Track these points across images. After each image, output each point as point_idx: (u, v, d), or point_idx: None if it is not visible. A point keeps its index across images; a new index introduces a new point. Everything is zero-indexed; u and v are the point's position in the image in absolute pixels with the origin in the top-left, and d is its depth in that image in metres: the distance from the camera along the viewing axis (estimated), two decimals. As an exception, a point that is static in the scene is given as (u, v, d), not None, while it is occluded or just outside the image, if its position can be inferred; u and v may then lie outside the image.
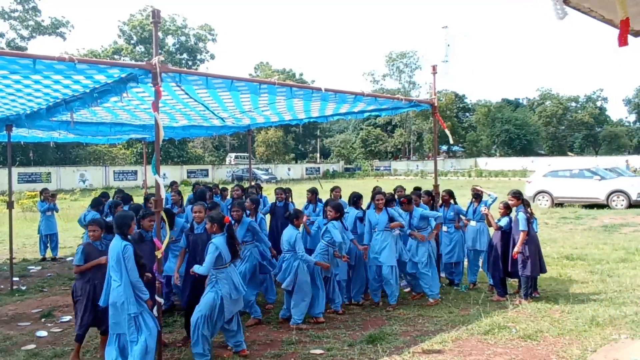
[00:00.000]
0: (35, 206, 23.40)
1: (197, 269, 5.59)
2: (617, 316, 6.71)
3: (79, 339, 5.79)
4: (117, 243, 5.08)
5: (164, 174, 36.94)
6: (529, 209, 7.78)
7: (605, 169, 21.26)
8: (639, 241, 12.47)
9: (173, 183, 13.01)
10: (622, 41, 3.86)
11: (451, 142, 10.08)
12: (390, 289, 7.61)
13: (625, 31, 3.80)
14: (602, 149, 73.05)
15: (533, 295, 7.83)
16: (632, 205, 19.20)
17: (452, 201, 8.84)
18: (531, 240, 7.57)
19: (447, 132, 9.63)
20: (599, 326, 6.39)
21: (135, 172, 43.45)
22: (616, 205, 19.46)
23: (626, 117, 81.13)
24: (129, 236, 5.24)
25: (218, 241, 5.63)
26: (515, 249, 7.51)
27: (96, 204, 9.51)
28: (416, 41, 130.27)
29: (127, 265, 5.00)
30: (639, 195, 19.32)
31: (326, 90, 7.29)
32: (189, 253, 6.39)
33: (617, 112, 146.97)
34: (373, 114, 10.50)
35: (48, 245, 12.13)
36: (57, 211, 12.45)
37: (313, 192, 9.41)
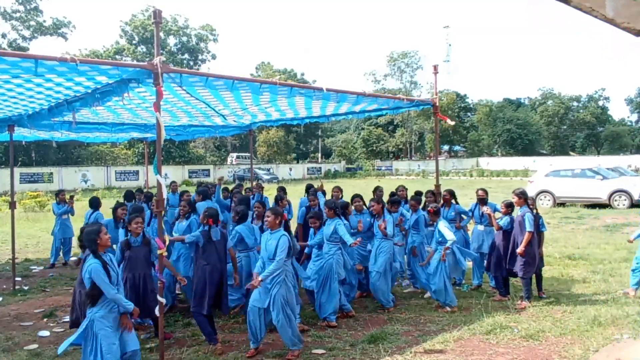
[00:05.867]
0: (37, 206, 23.52)
1: (268, 271, 5.66)
2: (619, 316, 6.71)
3: None
4: (87, 263, 4.72)
5: (166, 174, 37.04)
6: (534, 209, 7.78)
7: (608, 169, 21.23)
8: (641, 241, 12.44)
9: (172, 183, 12.97)
10: None
11: (451, 122, 10.02)
12: (382, 295, 7.51)
13: None
14: (604, 149, 73.02)
15: (539, 295, 7.84)
16: (634, 204, 19.15)
17: (453, 201, 8.83)
18: (534, 241, 7.56)
19: (449, 121, 9.71)
20: (601, 326, 6.38)
21: (137, 172, 43.45)
22: (618, 205, 19.43)
23: (628, 117, 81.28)
24: (100, 252, 4.81)
25: (287, 235, 5.89)
26: (519, 250, 7.46)
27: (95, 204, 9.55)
28: (417, 41, 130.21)
29: (98, 283, 4.59)
30: (641, 194, 19.30)
31: (328, 90, 7.29)
32: (127, 264, 6.24)
33: (619, 111, 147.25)
34: (374, 113, 10.51)
35: (61, 251, 11.66)
36: (72, 214, 11.85)
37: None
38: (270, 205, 9.69)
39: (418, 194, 9.15)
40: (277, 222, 5.92)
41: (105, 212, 9.75)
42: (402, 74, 71.21)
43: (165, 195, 5.59)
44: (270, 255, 5.77)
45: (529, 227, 7.43)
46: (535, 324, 6.59)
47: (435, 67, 9.25)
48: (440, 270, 7.43)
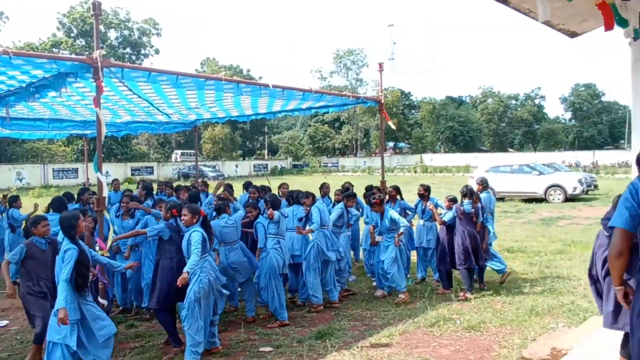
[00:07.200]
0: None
1: (190, 265, 5.38)
2: (554, 305, 7.00)
3: (39, 340, 5.44)
4: (63, 246, 4.77)
5: (107, 172, 35.87)
6: (478, 203, 8.05)
7: (543, 165, 22.18)
8: (574, 233, 13.05)
9: (114, 180, 12.59)
10: (609, 25, 4.12)
11: (394, 127, 10.32)
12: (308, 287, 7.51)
13: (608, 16, 4.01)
14: (541, 145, 75.94)
15: (481, 287, 8.08)
16: (568, 199, 20.14)
17: (398, 197, 8.97)
18: (466, 234, 7.79)
19: (391, 124, 9.82)
20: (538, 315, 6.65)
21: (76, 170, 41.88)
22: (553, 199, 20.32)
23: (562, 115, 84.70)
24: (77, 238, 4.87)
25: (200, 230, 5.62)
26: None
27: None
28: (363, 39, 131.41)
29: (61, 267, 4.63)
30: (574, 189, 20.30)
31: (274, 87, 7.26)
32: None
33: (554, 109, 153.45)
34: (321, 110, 10.56)
35: None
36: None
37: (263, 190, 9.35)
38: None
39: (369, 189, 9.24)
40: (195, 220, 5.71)
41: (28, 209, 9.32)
42: (348, 71, 71.89)
43: (106, 194, 5.43)
44: (185, 253, 5.60)
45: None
46: (476, 316, 6.79)
47: (380, 65, 9.37)
48: (396, 257, 7.64)
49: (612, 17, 4.14)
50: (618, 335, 4.00)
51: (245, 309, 7.10)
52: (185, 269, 5.36)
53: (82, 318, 4.70)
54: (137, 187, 9.65)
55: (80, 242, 4.89)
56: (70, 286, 4.63)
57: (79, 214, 5.04)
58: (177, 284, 5.31)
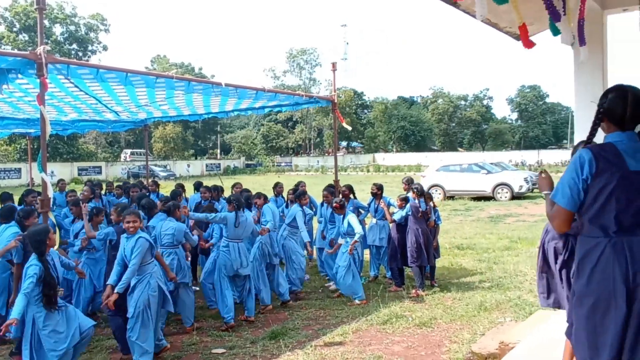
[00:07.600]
0: None
1: (121, 284, 5.16)
2: (502, 301, 7.21)
3: None
4: (29, 261, 4.60)
5: (52, 172, 34.59)
6: (431, 202, 8.20)
7: (491, 164, 22.86)
8: (521, 230, 13.48)
9: (60, 181, 12.16)
10: (527, 44, 4.33)
11: (349, 128, 10.54)
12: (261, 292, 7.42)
13: (525, 35, 4.23)
14: (489, 145, 77.96)
15: (432, 284, 8.23)
16: (514, 197, 20.82)
17: (351, 196, 9.03)
18: (420, 232, 7.90)
19: (345, 124, 9.89)
20: (486, 311, 6.83)
21: (19, 170, 40.25)
22: (501, 197, 20.95)
23: (509, 115, 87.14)
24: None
25: (146, 236, 5.44)
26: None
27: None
28: (316, 38, 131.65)
29: (24, 280, 4.49)
30: (521, 187, 21.00)
31: (226, 85, 7.19)
32: None
33: (501, 110, 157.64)
34: (274, 109, 10.52)
35: None
36: None
37: (215, 190, 9.26)
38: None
39: (331, 186, 9.26)
40: (142, 226, 5.54)
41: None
42: (301, 70, 72.01)
43: (51, 195, 5.24)
44: (128, 259, 5.35)
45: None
46: (428, 312, 6.91)
47: (333, 65, 9.42)
48: (350, 265, 7.56)
49: (527, 38, 4.38)
50: (562, 327, 4.14)
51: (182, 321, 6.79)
52: (117, 289, 5.17)
53: (34, 335, 4.57)
54: (84, 187, 9.36)
55: (50, 257, 4.69)
56: (35, 301, 4.51)
57: (48, 228, 4.78)
58: (109, 304, 5.17)
